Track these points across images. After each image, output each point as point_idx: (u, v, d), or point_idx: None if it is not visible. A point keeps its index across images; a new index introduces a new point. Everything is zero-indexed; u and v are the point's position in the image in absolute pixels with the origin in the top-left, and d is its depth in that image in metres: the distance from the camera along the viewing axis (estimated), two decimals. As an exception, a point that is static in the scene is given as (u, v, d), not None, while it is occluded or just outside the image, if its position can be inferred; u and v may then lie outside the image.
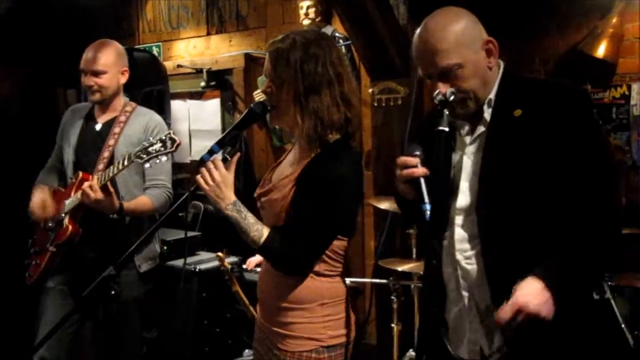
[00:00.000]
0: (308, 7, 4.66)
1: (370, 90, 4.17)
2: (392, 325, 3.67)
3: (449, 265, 1.94)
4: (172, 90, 5.21)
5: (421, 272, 3.47)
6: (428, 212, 1.73)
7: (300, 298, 2.04)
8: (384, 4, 3.90)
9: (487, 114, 1.90)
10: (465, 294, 1.91)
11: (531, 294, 1.69)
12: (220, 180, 2.00)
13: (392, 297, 3.63)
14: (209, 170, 2.01)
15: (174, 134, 2.73)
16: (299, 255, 2.00)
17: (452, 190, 1.92)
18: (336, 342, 2.06)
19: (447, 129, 1.77)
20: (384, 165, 4.09)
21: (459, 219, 1.91)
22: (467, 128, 1.95)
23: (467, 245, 1.90)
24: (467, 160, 1.92)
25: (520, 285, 1.71)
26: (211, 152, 2.01)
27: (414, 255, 3.67)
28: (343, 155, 2.01)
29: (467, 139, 1.94)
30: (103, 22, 6.00)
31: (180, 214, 4.62)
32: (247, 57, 5.30)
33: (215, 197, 2.01)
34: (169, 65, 5.59)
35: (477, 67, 1.85)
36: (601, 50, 3.86)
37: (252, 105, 2.10)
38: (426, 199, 1.74)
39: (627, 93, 3.95)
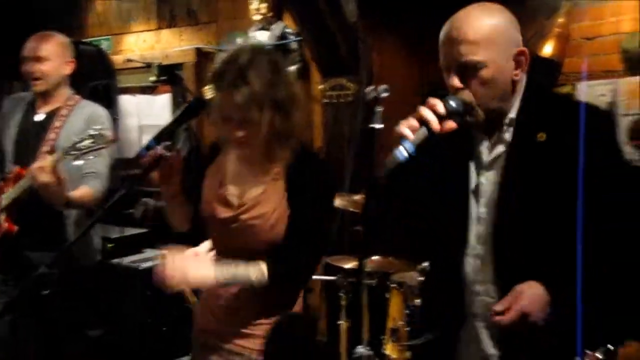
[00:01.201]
0: (259, 3, 4.63)
1: (320, 87, 4.16)
2: (341, 322, 3.66)
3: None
4: (122, 85, 5.12)
5: (368, 269, 3.48)
6: (404, 153, 1.57)
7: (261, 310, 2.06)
8: (334, 1, 3.88)
9: (508, 134, 1.77)
10: (479, 324, 1.85)
11: (535, 300, 1.64)
12: (185, 269, 1.91)
13: (341, 294, 3.62)
14: (170, 271, 1.90)
15: (108, 129, 2.66)
16: (308, 261, 2.04)
17: (468, 215, 1.83)
18: None
19: (377, 127, 1.66)
20: (334, 162, 4.08)
21: (474, 247, 1.83)
22: (486, 144, 1.82)
23: (479, 277, 1.82)
24: (484, 184, 1.81)
25: (522, 288, 1.65)
26: (148, 147, 1.97)
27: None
28: (318, 159, 2.06)
29: (485, 157, 1.82)
30: (51, 14, 5.86)
31: (130, 211, 4.55)
32: (198, 52, 5.25)
33: (201, 284, 1.98)
34: (118, 59, 5.50)
35: (501, 73, 1.70)
36: (548, 50, 3.92)
37: (189, 100, 2.06)
38: (410, 144, 1.59)
39: (573, 92, 4.02)
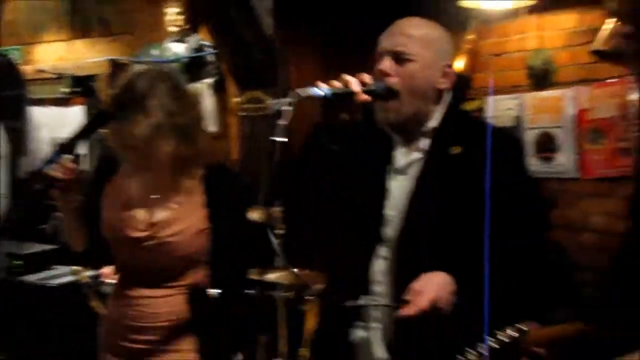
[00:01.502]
0: (175, 15, 4.59)
1: (236, 100, 4.15)
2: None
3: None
4: (34, 96, 4.95)
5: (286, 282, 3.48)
6: (318, 91, 1.70)
7: (176, 315, 2.03)
8: (250, 13, 3.89)
9: (425, 142, 1.85)
10: (374, 326, 1.88)
11: (438, 283, 1.67)
12: None
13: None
14: None
15: None
16: (231, 274, 2.02)
17: (381, 217, 1.87)
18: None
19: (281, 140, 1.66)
20: (251, 175, 4.07)
21: (382, 249, 1.86)
22: (402, 149, 1.89)
23: (381, 278, 1.86)
24: (395, 187, 1.87)
25: (433, 277, 1.68)
26: (51, 160, 1.91)
27: (279, 265, 3.66)
28: (233, 172, 2.07)
29: (399, 162, 1.89)
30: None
31: (42, 226, 4.39)
32: (113, 63, 5.13)
33: None
34: (29, 69, 5.32)
35: (427, 74, 1.82)
36: (459, 65, 4.05)
37: (95, 112, 2.01)
38: (328, 89, 1.71)
39: (482, 106, 4.16)
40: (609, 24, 3.32)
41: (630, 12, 1.36)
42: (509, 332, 1.11)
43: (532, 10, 3.84)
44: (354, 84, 1.73)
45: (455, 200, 1.76)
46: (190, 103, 1.99)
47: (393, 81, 1.80)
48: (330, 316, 2.01)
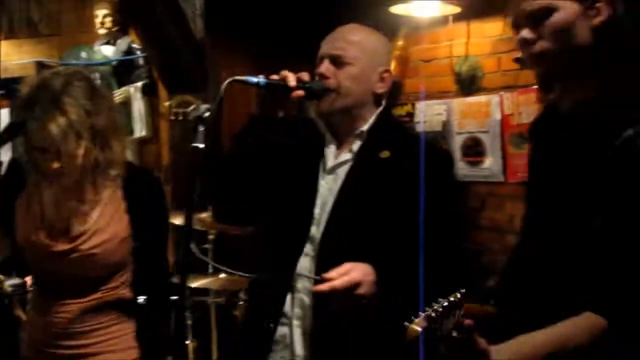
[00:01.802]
0: (104, 16, 4.52)
1: (167, 104, 4.10)
2: (188, 342, 3.60)
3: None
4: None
5: (216, 287, 3.47)
6: (255, 80, 1.73)
7: (103, 317, 1.99)
8: (180, 17, 3.85)
9: (356, 145, 1.89)
10: (295, 323, 1.86)
11: (369, 279, 1.68)
12: None
13: (187, 314, 3.57)
14: None
15: None
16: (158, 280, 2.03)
17: (310, 215, 1.88)
18: (131, 357, 2.02)
19: (201, 145, 1.60)
20: (182, 180, 4.03)
21: (307, 247, 1.86)
22: (333, 150, 1.92)
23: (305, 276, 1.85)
24: (323, 186, 1.90)
25: (357, 265, 1.69)
26: None
27: (210, 270, 3.64)
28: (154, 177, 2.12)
29: (329, 162, 1.91)
30: None
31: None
32: (40, 65, 5.00)
33: None
34: (-50, 71, 5.13)
35: (364, 78, 1.86)
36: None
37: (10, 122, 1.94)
38: (265, 79, 1.75)
39: (412, 111, 4.23)
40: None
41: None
42: (448, 299, 1.14)
43: (460, 18, 3.92)
44: (291, 78, 1.77)
45: (380, 204, 1.80)
46: (107, 105, 1.94)
47: (331, 82, 1.85)
48: (251, 313, 2.01)
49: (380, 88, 1.90)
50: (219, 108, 1.71)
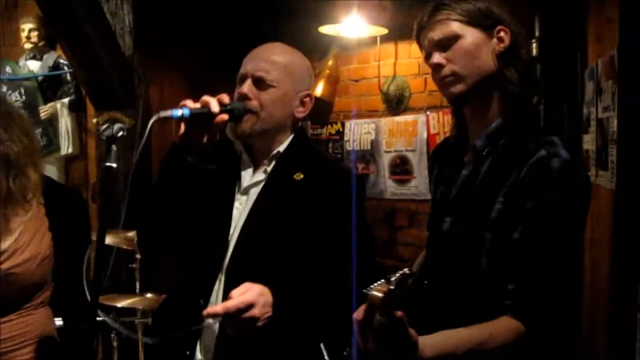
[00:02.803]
0: (30, 31, 4.40)
1: (94, 121, 4.03)
2: (114, 363, 3.53)
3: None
4: None
5: (143, 307, 3.41)
6: (178, 112, 1.69)
7: (30, 332, 1.96)
8: (108, 32, 3.80)
9: (271, 166, 1.88)
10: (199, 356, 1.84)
11: (262, 301, 1.65)
12: None
13: (112, 335, 3.50)
14: None
15: None
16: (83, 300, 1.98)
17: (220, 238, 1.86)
18: None
19: (113, 165, 1.61)
20: (109, 198, 3.96)
21: (220, 272, 1.83)
22: (249, 170, 1.90)
23: (213, 296, 1.82)
24: (238, 208, 1.88)
25: (254, 285, 1.66)
26: None
27: (138, 290, 3.58)
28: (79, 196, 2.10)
29: (244, 182, 1.89)
30: None
31: None
32: (-38, 79, 4.84)
33: None
34: None
35: (285, 102, 1.85)
36: (319, 90, 4.15)
37: None
38: (188, 110, 1.70)
39: (341, 130, 4.29)
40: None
41: None
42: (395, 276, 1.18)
43: (387, 39, 4.01)
44: (212, 104, 1.74)
45: (289, 225, 1.79)
46: (22, 131, 1.89)
47: (253, 104, 1.82)
48: (161, 345, 1.98)
49: (301, 112, 1.90)
50: (146, 143, 1.70)
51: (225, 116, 1.76)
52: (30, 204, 1.94)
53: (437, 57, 1.55)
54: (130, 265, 3.67)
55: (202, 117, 1.74)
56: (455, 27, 1.54)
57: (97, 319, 3.60)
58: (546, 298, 1.39)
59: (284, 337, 1.72)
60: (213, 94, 1.82)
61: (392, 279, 1.21)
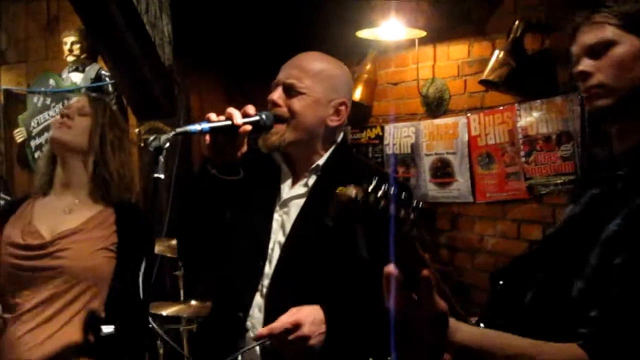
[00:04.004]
0: (72, 44, 4.50)
1: (136, 130, 4.09)
2: (160, 369, 3.56)
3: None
4: None
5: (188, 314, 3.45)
6: (197, 128, 1.64)
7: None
8: (148, 43, 3.85)
9: (312, 179, 1.84)
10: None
11: (311, 319, 1.63)
12: None
13: (158, 342, 3.54)
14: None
15: None
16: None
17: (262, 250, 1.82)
18: None
19: (161, 176, 1.59)
20: (152, 207, 4.00)
21: (261, 284, 1.81)
22: (288, 183, 1.87)
23: (256, 312, 1.80)
24: (277, 220, 1.85)
25: (302, 307, 1.64)
26: None
27: (182, 298, 3.61)
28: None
29: (284, 195, 1.86)
30: None
31: None
32: (7, 93, 4.97)
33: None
34: None
35: (316, 110, 1.81)
36: (357, 94, 4.14)
37: None
38: (207, 124, 1.66)
39: (380, 134, 4.27)
40: (495, 56, 3.49)
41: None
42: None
43: (426, 41, 3.98)
44: (235, 116, 1.69)
45: (333, 242, 1.68)
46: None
47: (282, 111, 1.79)
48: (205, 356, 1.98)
49: (335, 121, 1.84)
50: (184, 154, 1.69)
51: (248, 127, 1.70)
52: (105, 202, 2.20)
53: (584, 64, 1.38)
54: (174, 273, 3.72)
55: (225, 130, 1.69)
56: (611, 32, 1.36)
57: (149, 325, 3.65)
58: (629, 340, 1.20)
59: (337, 354, 1.67)
60: (249, 101, 1.79)
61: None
